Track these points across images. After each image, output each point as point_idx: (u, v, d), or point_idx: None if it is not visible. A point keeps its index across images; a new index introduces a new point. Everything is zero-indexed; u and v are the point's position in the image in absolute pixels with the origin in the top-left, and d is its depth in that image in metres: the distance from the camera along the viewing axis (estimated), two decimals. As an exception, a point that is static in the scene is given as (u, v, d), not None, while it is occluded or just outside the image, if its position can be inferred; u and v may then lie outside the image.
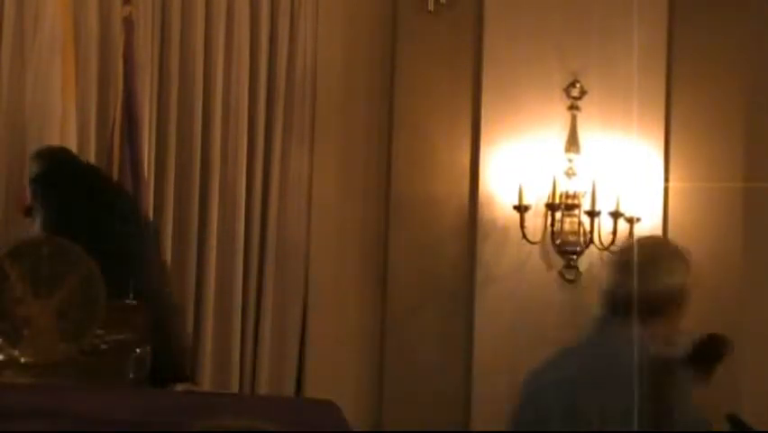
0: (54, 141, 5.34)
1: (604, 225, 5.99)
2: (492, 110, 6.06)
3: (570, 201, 5.98)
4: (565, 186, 5.99)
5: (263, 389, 5.91)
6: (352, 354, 6.09)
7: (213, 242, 5.85)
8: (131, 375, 3.62)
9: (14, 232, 5.32)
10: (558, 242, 5.98)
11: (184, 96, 5.91)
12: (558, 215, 5.97)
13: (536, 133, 6.05)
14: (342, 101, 6.17)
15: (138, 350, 3.64)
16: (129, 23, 5.60)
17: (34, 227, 5.17)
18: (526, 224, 5.94)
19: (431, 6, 6.10)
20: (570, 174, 6.00)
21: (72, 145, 5.42)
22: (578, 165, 6.01)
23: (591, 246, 5.98)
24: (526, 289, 5.98)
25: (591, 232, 5.98)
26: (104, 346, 3.58)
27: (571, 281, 6.00)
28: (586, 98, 6.07)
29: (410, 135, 6.11)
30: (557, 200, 5.97)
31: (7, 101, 5.58)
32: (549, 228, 5.98)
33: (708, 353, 3.73)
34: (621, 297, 3.40)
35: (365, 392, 6.05)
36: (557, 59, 6.09)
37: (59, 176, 4.71)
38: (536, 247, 5.96)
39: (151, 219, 5.46)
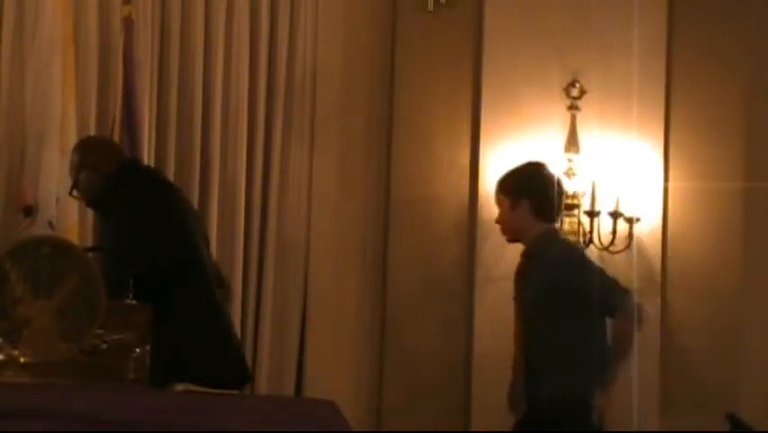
0: (54, 141, 5.34)
1: (603, 225, 5.99)
2: (492, 110, 6.06)
3: (569, 201, 5.98)
4: (565, 186, 5.98)
5: (263, 389, 5.92)
6: (352, 354, 6.09)
7: (213, 241, 5.85)
8: (131, 375, 3.62)
9: (14, 232, 5.33)
10: (558, 242, 5.97)
11: (184, 95, 5.92)
12: (558, 215, 5.98)
13: (536, 132, 6.05)
14: (342, 101, 6.17)
15: (138, 350, 3.64)
16: (129, 23, 5.60)
17: (34, 227, 5.18)
18: (526, 224, 5.94)
19: (431, 6, 6.10)
20: (569, 174, 6.00)
21: (72, 145, 5.42)
22: (577, 165, 6.01)
23: (591, 246, 5.98)
24: (526, 288, 5.98)
25: (591, 232, 5.98)
26: (104, 346, 3.58)
27: (570, 281, 6.00)
28: (586, 98, 6.07)
29: (410, 135, 6.11)
30: (557, 200, 5.97)
31: (7, 101, 5.59)
32: (549, 228, 5.98)
33: None
34: None
35: (365, 392, 6.05)
36: (557, 59, 6.09)
37: None
38: (536, 247, 5.96)
39: None
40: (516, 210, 5.06)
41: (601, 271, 5.02)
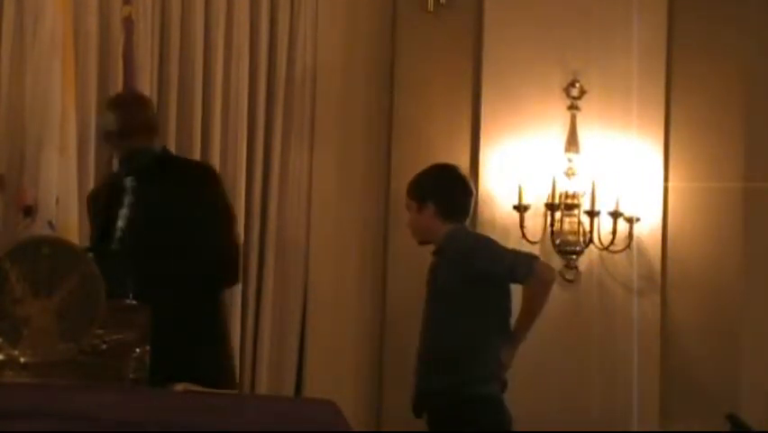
0: (54, 141, 5.34)
1: (603, 224, 5.99)
2: (492, 110, 6.06)
3: (569, 201, 5.98)
4: (565, 186, 5.99)
5: (263, 389, 5.92)
6: (352, 354, 6.09)
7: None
8: (131, 375, 3.62)
9: (14, 232, 5.33)
10: (558, 242, 5.98)
11: (184, 96, 5.92)
12: (558, 214, 5.98)
13: (536, 132, 6.05)
14: (342, 101, 6.17)
15: (138, 350, 3.64)
16: (129, 23, 5.61)
17: (34, 227, 5.17)
18: (526, 223, 5.94)
19: (431, 6, 6.10)
20: (569, 174, 6.00)
21: (72, 145, 5.42)
22: (577, 165, 6.01)
23: (591, 246, 5.99)
24: (526, 289, 5.98)
25: (591, 232, 5.98)
26: (104, 346, 3.58)
27: (570, 281, 6.00)
28: (586, 98, 6.07)
29: (410, 135, 6.11)
30: (557, 200, 5.97)
31: (7, 101, 5.58)
32: (549, 228, 5.98)
33: None
34: None
35: (365, 392, 6.05)
36: (557, 58, 6.09)
37: None
38: (536, 247, 5.96)
39: None
40: (423, 213, 5.06)
41: (510, 250, 5.02)
